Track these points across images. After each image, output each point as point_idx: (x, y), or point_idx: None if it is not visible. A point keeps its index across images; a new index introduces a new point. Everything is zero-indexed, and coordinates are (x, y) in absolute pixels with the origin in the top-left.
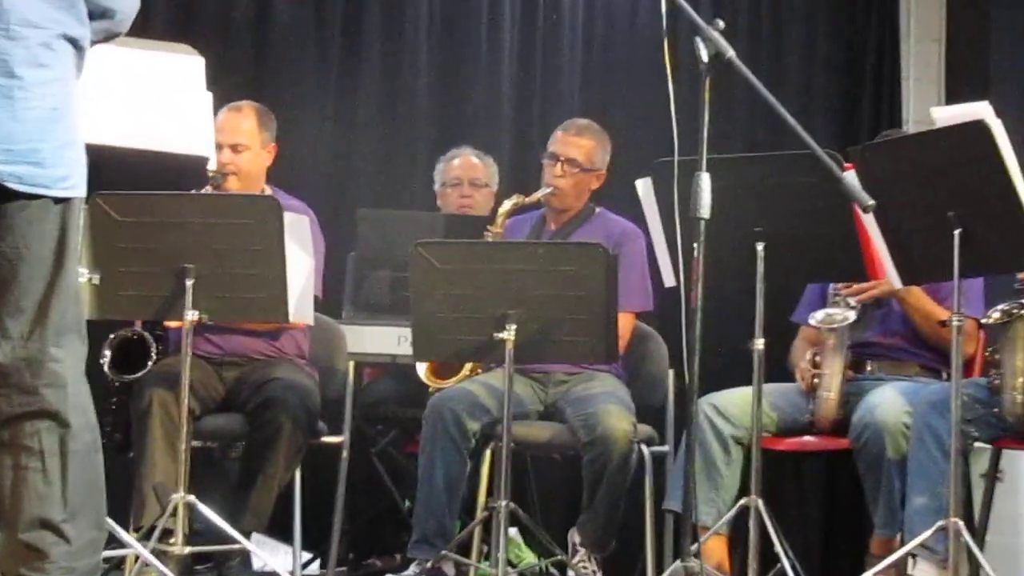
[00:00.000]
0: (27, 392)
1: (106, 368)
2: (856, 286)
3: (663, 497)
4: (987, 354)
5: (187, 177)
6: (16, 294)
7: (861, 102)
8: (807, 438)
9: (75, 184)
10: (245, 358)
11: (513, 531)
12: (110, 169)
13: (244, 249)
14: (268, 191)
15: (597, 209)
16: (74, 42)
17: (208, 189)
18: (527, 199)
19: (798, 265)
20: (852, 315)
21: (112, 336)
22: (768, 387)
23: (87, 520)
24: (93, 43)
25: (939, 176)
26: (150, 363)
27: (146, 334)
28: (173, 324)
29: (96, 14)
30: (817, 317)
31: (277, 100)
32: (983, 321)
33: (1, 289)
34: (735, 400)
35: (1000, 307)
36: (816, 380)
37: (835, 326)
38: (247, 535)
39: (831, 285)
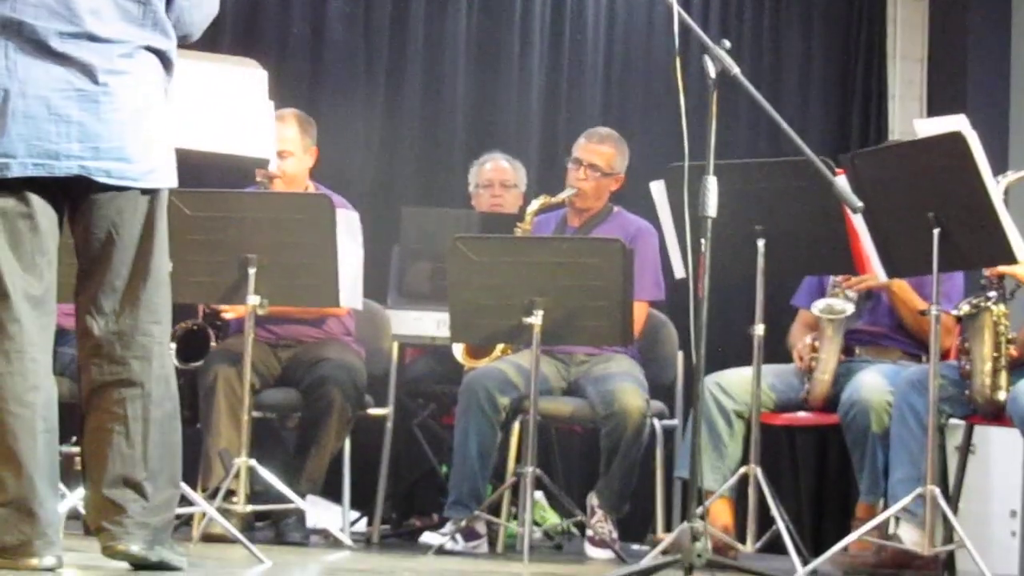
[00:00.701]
0: (116, 363)
1: (172, 358)
2: (854, 279)
3: (672, 465)
4: (959, 343)
5: (233, 179)
6: (110, 275)
7: (851, 115)
8: (801, 414)
9: (161, 177)
10: (296, 341)
11: (538, 495)
12: (182, 169)
13: (300, 242)
14: (312, 189)
15: (615, 209)
16: (158, 53)
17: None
18: (552, 199)
19: (794, 260)
20: (851, 307)
21: (175, 328)
22: (767, 367)
23: (164, 480)
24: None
25: (920, 181)
26: (209, 352)
27: (207, 326)
28: (231, 315)
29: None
30: (819, 307)
31: (330, 110)
32: (953, 313)
33: (97, 271)
34: (737, 379)
35: (969, 300)
36: (813, 363)
37: (835, 317)
38: (302, 496)
39: (831, 277)
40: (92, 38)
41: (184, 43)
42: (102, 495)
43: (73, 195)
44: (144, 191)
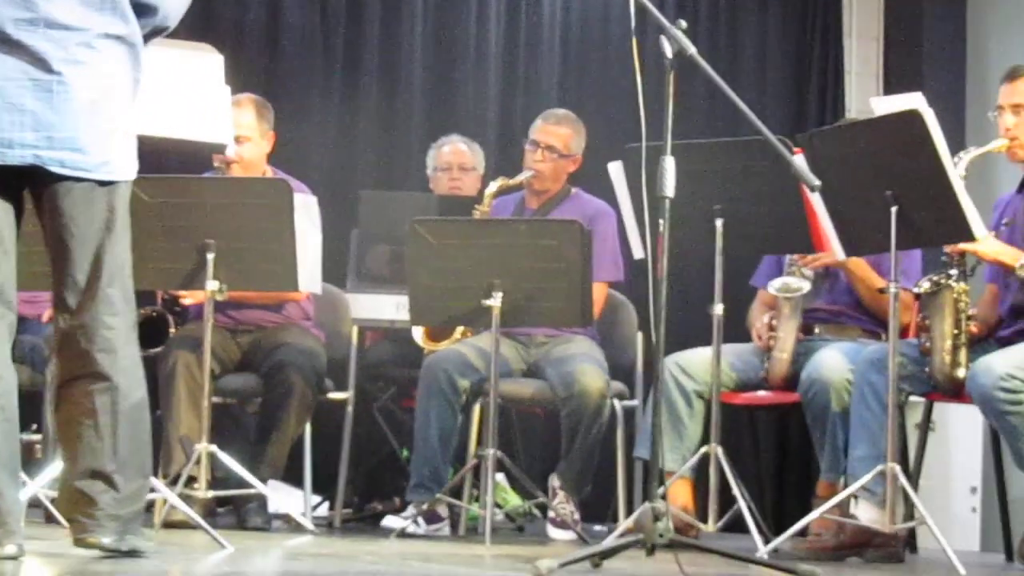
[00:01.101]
0: (82, 356)
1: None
2: (810, 257)
3: (633, 446)
4: (918, 320)
5: (191, 164)
6: (71, 268)
7: (808, 94)
8: (761, 393)
9: (117, 169)
10: (255, 326)
11: (500, 477)
12: (139, 155)
13: (259, 227)
14: (270, 174)
15: (573, 190)
16: (121, 39)
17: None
18: (511, 181)
19: (752, 239)
20: (807, 285)
21: (140, 312)
22: (726, 347)
23: (133, 470)
24: (145, 42)
25: (878, 159)
26: (169, 338)
27: (165, 312)
28: (190, 301)
29: (138, 11)
30: (775, 285)
31: (287, 95)
32: (914, 290)
33: (60, 265)
34: (697, 359)
35: (929, 277)
36: (772, 342)
37: (791, 295)
38: (264, 481)
39: (787, 256)
40: (49, 24)
41: (160, 33)
42: (73, 486)
43: (31, 185)
44: (101, 183)
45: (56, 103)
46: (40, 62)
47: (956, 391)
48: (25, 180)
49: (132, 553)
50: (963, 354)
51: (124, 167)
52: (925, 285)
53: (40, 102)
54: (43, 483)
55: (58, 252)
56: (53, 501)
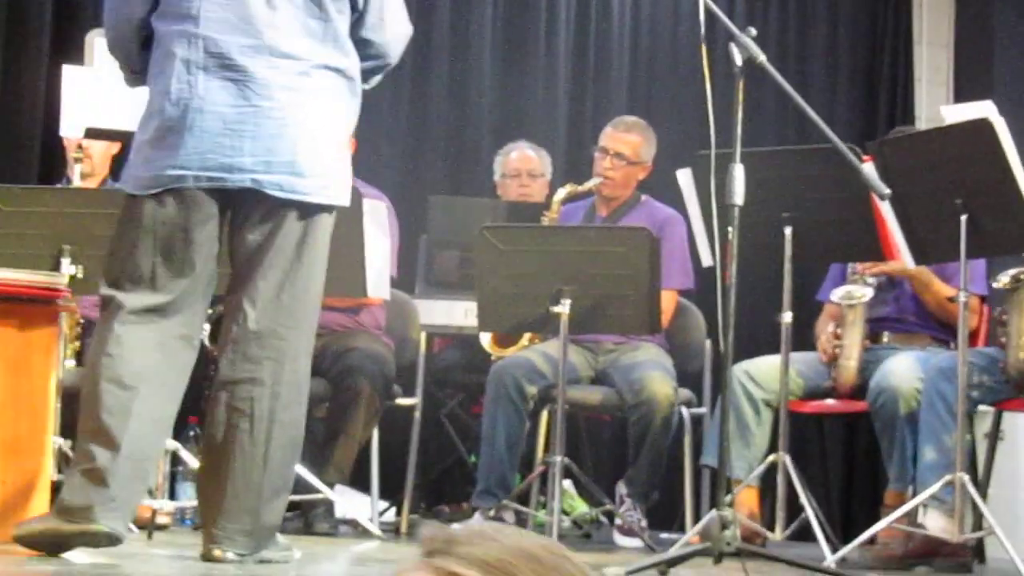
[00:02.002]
0: (250, 360)
1: (205, 340)
2: (871, 264)
3: (700, 453)
4: (995, 314)
5: None
6: (257, 278)
7: (878, 101)
8: (829, 401)
9: (332, 194)
10: (328, 330)
11: (567, 483)
12: None
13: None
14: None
15: (643, 197)
16: (339, 71)
17: None
18: (579, 188)
19: (822, 247)
20: (870, 292)
21: (211, 311)
22: (795, 355)
23: (279, 481)
24: (368, 77)
25: (948, 167)
26: None
27: None
28: None
29: (358, 47)
30: (838, 294)
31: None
32: (994, 285)
33: (246, 274)
34: (765, 367)
35: (1010, 272)
36: (837, 350)
37: (854, 302)
38: (331, 486)
39: (850, 265)
40: (272, 52)
41: (383, 70)
42: (217, 495)
43: (240, 205)
44: (314, 205)
45: (275, 129)
46: (262, 89)
47: None
48: (237, 201)
49: (261, 567)
50: None
51: (339, 192)
52: (1005, 280)
53: (260, 128)
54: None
55: (251, 263)
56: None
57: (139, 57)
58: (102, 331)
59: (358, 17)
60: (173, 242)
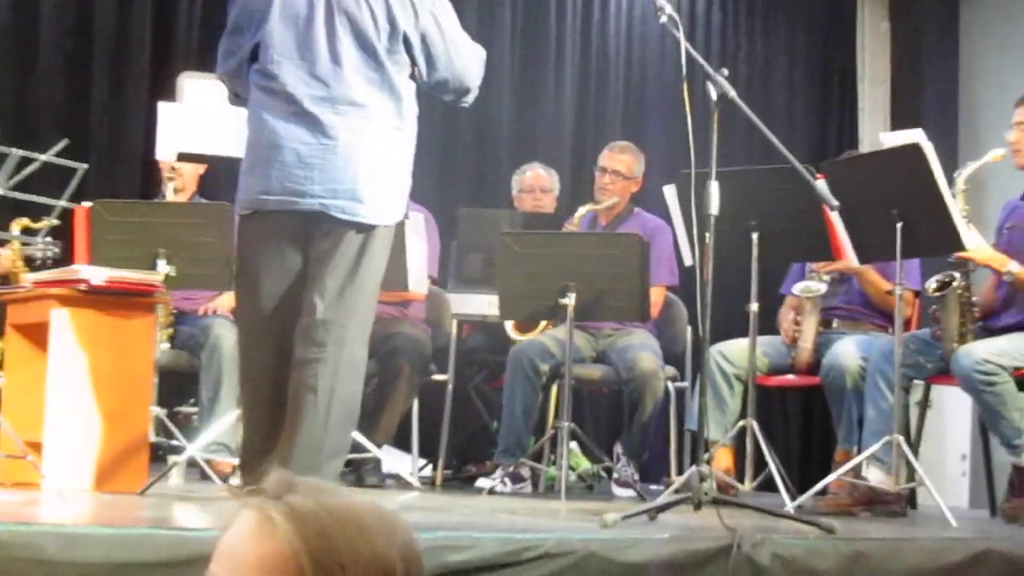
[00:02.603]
0: (317, 344)
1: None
2: (826, 263)
3: (683, 420)
4: (931, 311)
5: None
6: (325, 279)
7: (829, 129)
8: (789, 376)
9: (387, 216)
10: (377, 318)
11: (573, 445)
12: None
13: None
14: None
15: (635, 209)
16: (393, 115)
17: None
18: (598, 207)
19: (783, 249)
20: (824, 287)
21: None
22: (761, 339)
23: (337, 446)
24: (459, 101)
25: (886, 183)
26: None
27: None
28: None
29: (438, 89)
30: (798, 288)
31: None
32: (924, 290)
33: (317, 275)
34: (736, 348)
35: (935, 279)
36: (797, 334)
37: (811, 295)
38: (379, 447)
39: (807, 264)
40: (337, 101)
41: (465, 95)
42: (286, 453)
43: (312, 223)
44: (371, 225)
45: (339, 163)
46: (329, 130)
47: None
48: (310, 219)
49: None
50: (969, 339)
51: (392, 213)
52: (933, 285)
53: (326, 162)
54: (199, 447)
55: (321, 267)
56: (208, 462)
57: (242, 86)
58: None
59: (428, 62)
60: (271, 253)
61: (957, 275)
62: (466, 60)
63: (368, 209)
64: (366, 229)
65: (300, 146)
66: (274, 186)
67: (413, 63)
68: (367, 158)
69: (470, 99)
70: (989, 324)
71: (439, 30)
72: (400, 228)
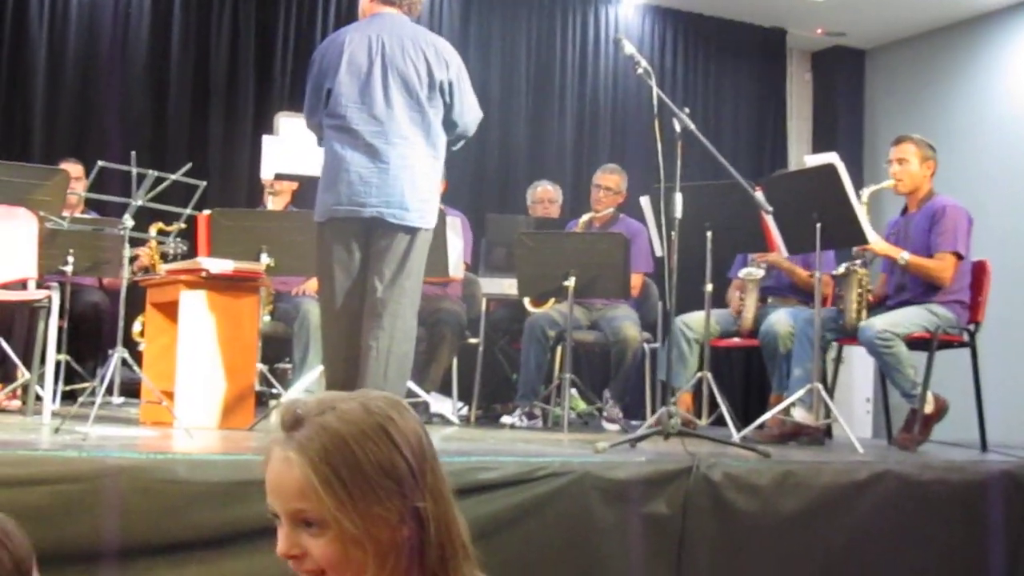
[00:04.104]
0: (377, 316)
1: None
2: (762, 255)
3: (656, 372)
4: (836, 292)
5: None
6: (383, 268)
7: (764, 153)
8: (735, 340)
9: (427, 221)
10: (426, 296)
11: (572, 391)
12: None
13: None
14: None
15: (620, 215)
16: (427, 145)
17: None
18: (597, 216)
19: (730, 243)
20: (761, 272)
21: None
22: (714, 311)
23: (397, 388)
24: (454, 144)
25: (808, 194)
26: None
27: None
28: None
29: (447, 127)
30: (742, 273)
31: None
32: (833, 273)
33: (375, 266)
34: (695, 318)
35: (844, 264)
36: (741, 308)
37: (752, 278)
38: (427, 392)
39: (749, 255)
40: (389, 135)
41: (463, 139)
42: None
43: (371, 227)
44: (416, 228)
45: (391, 182)
46: (384, 156)
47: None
48: (370, 224)
49: None
50: (864, 314)
51: (431, 219)
52: (840, 270)
53: (381, 181)
54: (292, 394)
55: (379, 259)
56: None
57: (321, 130)
58: None
59: (448, 108)
60: (342, 253)
61: (859, 263)
62: (471, 114)
63: (413, 216)
64: (412, 231)
65: (362, 169)
66: (343, 199)
67: (445, 104)
68: (411, 178)
69: (460, 144)
70: (887, 304)
71: (459, 88)
72: (441, 227)
